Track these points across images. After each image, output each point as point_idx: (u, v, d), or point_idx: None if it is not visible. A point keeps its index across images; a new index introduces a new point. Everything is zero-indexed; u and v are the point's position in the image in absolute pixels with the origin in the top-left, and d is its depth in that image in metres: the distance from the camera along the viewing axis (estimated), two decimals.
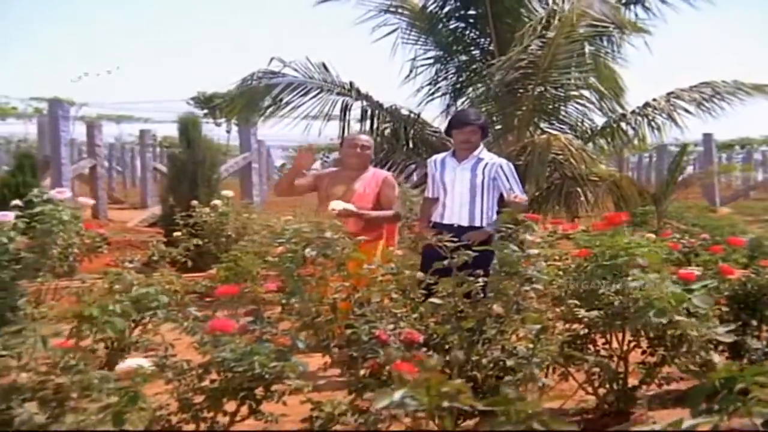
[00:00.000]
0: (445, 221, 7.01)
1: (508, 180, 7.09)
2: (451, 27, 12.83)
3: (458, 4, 12.71)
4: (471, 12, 12.77)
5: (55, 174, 14.08)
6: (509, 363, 4.30)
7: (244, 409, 4.06)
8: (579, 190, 11.67)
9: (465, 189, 7.04)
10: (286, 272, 4.45)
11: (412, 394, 2.51)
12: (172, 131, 26.41)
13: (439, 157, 7.48)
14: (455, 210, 7.05)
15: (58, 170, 14.01)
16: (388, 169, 12.13)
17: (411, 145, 12.34)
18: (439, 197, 7.25)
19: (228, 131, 19.47)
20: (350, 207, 6.38)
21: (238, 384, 3.88)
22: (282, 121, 12.29)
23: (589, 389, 5.50)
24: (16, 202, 5.97)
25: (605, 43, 12.27)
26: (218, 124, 19.28)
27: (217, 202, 10.37)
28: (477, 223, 6.96)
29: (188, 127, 11.87)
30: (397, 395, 2.52)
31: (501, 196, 7.25)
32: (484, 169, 7.07)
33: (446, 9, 12.71)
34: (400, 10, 12.82)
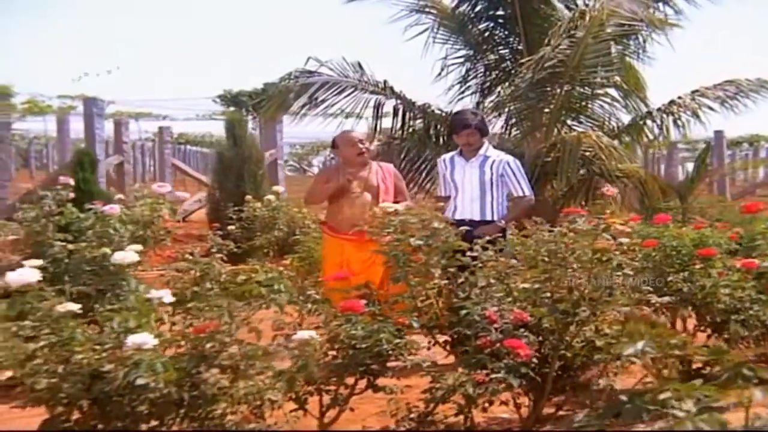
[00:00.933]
0: (458, 217, 7.11)
1: (515, 177, 7.34)
2: (481, 27, 13.18)
3: (487, 5, 13.06)
4: (500, 12, 13.13)
5: None
6: (598, 343, 4.66)
7: (362, 383, 4.43)
8: (607, 186, 11.96)
9: (475, 186, 7.27)
10: (394, 259, 4.84)
11: (650, 345, 2.91)
12: (189, 128, 26.78)
13: (447, 156, 7.74)
14: (466, 206, 7.27)
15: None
16: (420, 164, 12.56)
17: (442, 142, 12.64)
18: (450, 195, 7.48)
19: (254, 129, 19.75)
20: (399, 207, 6.64)
21: (360, 359, 4.25)
22: (304, 118, 12.74)
23: (653, 370, 5.87)
24: (120, 196, 6.33)
25: (631, 43, 12.57)
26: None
27: (270, 197, 10.72)
28: (488, 217, 7.20)
29: (235, 125, 12.24)
30: (640, 344, 2.94)
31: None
32: (491, 166, 7.31)
33: (476, 10, 13.06)
34: (429, 10, 13.18)
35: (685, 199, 12.23)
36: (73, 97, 27.93)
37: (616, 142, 12.33)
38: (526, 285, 4.84)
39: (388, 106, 12.74)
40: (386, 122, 12.85)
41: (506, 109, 12.75)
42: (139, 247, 4.83)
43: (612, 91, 12.73)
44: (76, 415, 3.53)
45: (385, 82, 12.65)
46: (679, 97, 12.32)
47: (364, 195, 7.05)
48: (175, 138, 25.73)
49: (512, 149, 12.46)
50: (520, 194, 7.35)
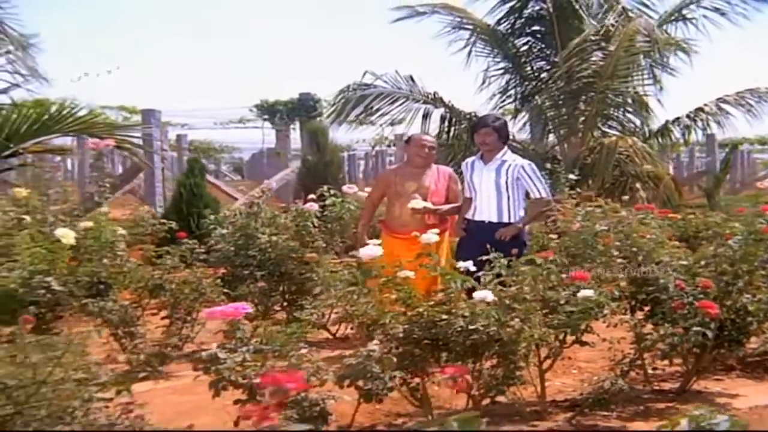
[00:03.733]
0: (476, 218, 7.45)
1: (531, 180, 7.45)
2: (519, 42, 14.35)
3: (526, 21, 14.24)
4: (537, 28, 14.30)
5: (149, 177, 15.29)
6: (751, 308, 5.79)
7: (569, 339, 5.49)
8: (639, 186, 13.12)
9: (491, 189, 7.41)
10: (583, 243, 5.96)
11: None
12: (202, 136, 27.75)
13: (470, 160, 7.92)
14: (484, 208, 7.43)
15: (151, 173, 15.21)
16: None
17: None
18: (471, 196, 7.71)
19: (287, 135, 20.76)
20: (429, 205, 7.28)
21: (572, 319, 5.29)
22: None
23: None
24: (312, 195, 7.39)
25: (658, 56, 13.75)
26: (279, 130, 20.50)
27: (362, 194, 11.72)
28: (505, 219, 7.35)
29: (317, 134, 13.30)
30: None
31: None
32: (507, 170, 7.44)
33: (516, 26, 14.21)
34: (470, 27, 14.32)
35: (713, 197, 13.45)
36: (112, 107, 28.50)
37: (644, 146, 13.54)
38: (684, 262, 5.96)
39: (437, 114, 13.90)
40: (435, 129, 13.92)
41: (544, 116, 13.92)
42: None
43: (644, 99, 13.87)
44: (417, 351, 4.62)
45: (435, 93, 13.79)
46: (705, 104, 13.57)
47: (414, 196, 7.39)
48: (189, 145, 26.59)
49: (545, 154, 13.73)
50: (537, 196, 7.48)
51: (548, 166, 12.08)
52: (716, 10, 13.97)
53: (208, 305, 6.56)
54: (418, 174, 7.53)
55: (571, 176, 11.41)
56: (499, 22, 14.19)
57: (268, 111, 20.71)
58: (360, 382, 4.09)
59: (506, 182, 7.39)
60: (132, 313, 6.02)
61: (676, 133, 14.04)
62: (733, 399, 5.91)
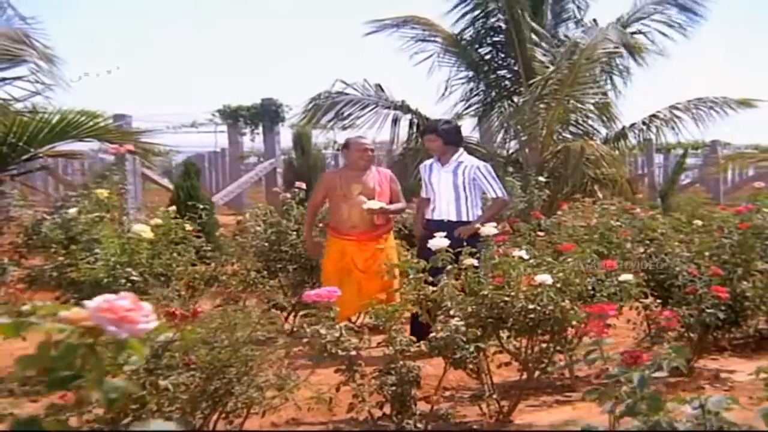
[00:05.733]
0: (436, 217, 7.70)
1: (487, 180, 7.68)
2: (481, 51, 14.98)
3: (486, 31, 14.91)
4: (497, 38, 14.98)
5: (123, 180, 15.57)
6: (748, 293, 6.47)
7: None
8: (597, 188, 13.83)
9: (449, 189, 7.65)
10: (601, 239, 6.61)
11: None
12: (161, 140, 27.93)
13: (428, 162, 8.18)
14: (443, 207, 7.68)
15: (123, 178, 15.50)
16: None
17: None
18: (430, 197, 7.90)
19: (252, 140, 21.01)
20: (383, 205, 7.44)
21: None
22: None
23: None
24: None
25: (618, 61, 14.54)
26: (242, 134, 20.73)
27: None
28: (464, 218, 7.59)
29: (302, 138, 13.76)
30: None
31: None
32: (464, 171, 7.67)
33: (477, 36, 14.87)
34: (434, 38, 14.94)
35: (667, 198, 14.27)
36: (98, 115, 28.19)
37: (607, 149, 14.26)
38: (687, 253, 6.66)
39: (405, 120, 14.51)
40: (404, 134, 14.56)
41: (506, 123, 14.59)
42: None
43: (600, 106, 14.62)
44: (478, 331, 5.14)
45: (402, 101, 14.35)
46: (659, 111, 14.40)
47: (361, 197, 7.47)
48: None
49: (507, 158, 14.42)
50: (494, 196, 7.76)
51: (510, 170, 12.87)
52: (664, 23, 14.90)
53: (255, 294, 7.11)
54: (360, 176, 7.59)
55: (541, 179, 12.18)
56: (462, 32, 14.82)
57: (231, 116, 20.99)
58: (448, 352, 4.68)
59: (463, 183, 7.63)
60: (188, 301, 6.48)
61: (632, 138, 14.90)
62: (732, 374, 6.59)
